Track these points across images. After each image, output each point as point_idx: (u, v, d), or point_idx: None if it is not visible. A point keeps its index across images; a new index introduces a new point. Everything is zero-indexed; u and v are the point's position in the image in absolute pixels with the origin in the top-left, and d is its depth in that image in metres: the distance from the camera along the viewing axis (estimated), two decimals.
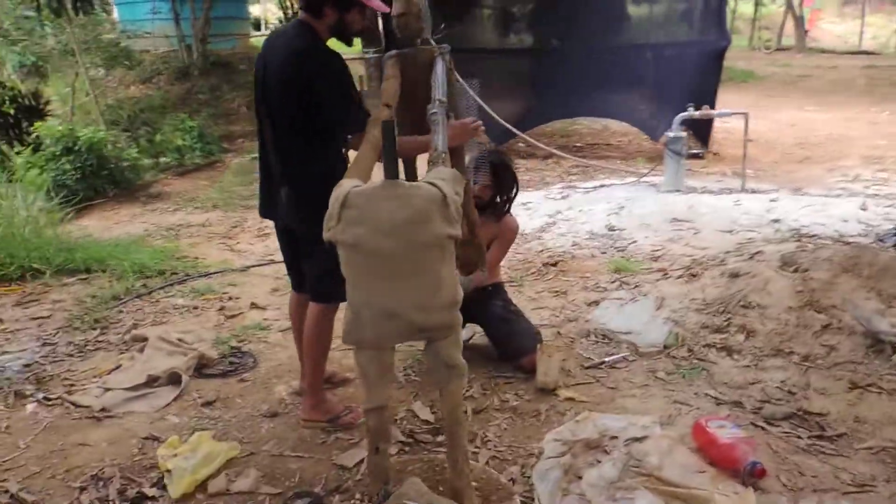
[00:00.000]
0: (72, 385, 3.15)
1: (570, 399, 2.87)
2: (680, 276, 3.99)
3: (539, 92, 8.91)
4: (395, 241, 1.81)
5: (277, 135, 2.47)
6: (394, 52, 2.62)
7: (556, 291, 4.03)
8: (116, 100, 10.59)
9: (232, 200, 6.71)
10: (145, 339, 3.46)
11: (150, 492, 2.34)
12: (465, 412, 2.70)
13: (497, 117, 8.01)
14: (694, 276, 3.95)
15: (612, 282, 4.08)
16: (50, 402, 2.99)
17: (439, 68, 2.47)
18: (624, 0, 8.66)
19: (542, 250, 4.76)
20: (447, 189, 1.87)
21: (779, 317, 3.34)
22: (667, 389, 2.94)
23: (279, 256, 4.97)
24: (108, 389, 3.07)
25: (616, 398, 2.89)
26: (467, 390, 2.98)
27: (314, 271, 2.57)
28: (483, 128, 2.53)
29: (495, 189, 3.09)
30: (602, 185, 6.34)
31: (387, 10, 2.58)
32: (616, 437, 2.59)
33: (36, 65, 11.57)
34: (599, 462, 2.44)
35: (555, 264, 4.44)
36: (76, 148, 6.81)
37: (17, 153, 6.91)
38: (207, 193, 7.11)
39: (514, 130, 7.97)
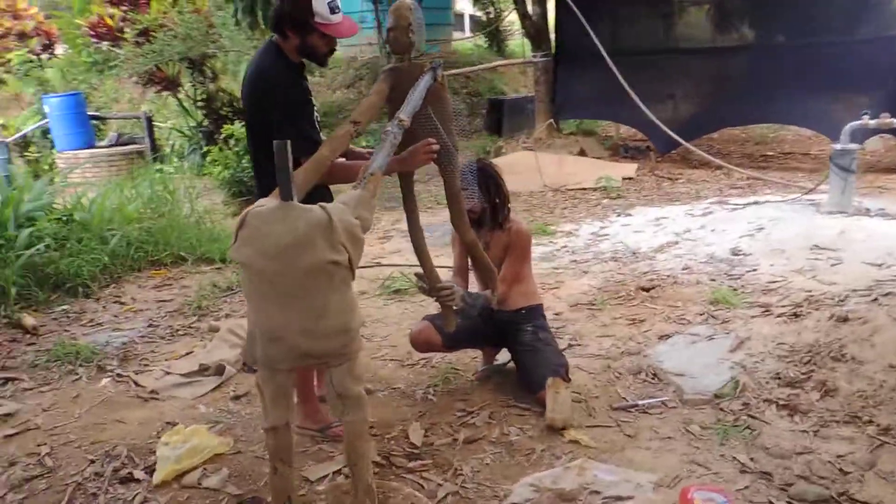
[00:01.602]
0: (146, 365, 3.54)
1: (575, 442, 2.62)
2: (781, 315, 3.44)
3: (738, 93, 8.13)
4: (280, 263, 1.79)
5: (251, 148, 2.56)
6: (388, 66, 2.57)
7: (633, 320, 3.68)
8: (321, 103, 11.59)
9: (379, 201, 7.00)
10: (218, 330, 3.77)
11: (139, 475, 2.55)
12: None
13: (662, 126, 7.48)
14: (797, 316, 3.38)
15: (701, 314, 3.63)
16: (120, 379, 3.38)
17: (421, 85, 2.37)
18: None
19: (646, 272, 4.36)
20: (337, 214, 1.81)
21: (873, 376, 2.76)
22: (691, 446, 2.55)
23: (387, 259, 5.17)
24: (168, 373, 3.40)
25: (627, 448, 2.57)
26: (474, 415, 2.85)
27: None
28: (435, 150, 2.37)
29: (484, 199, 2.90)
30: (755, 202, 5.63)
31: (351, 34, 2.54)
32: (598, 493, 2.32)
33: None
34: None
35: (649, 289, 4.05)
36: None
37: (205, 152, 7.85)
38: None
39: (678, 138, 7.38)
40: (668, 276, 4.24)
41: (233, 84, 12.39)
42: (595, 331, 3.61)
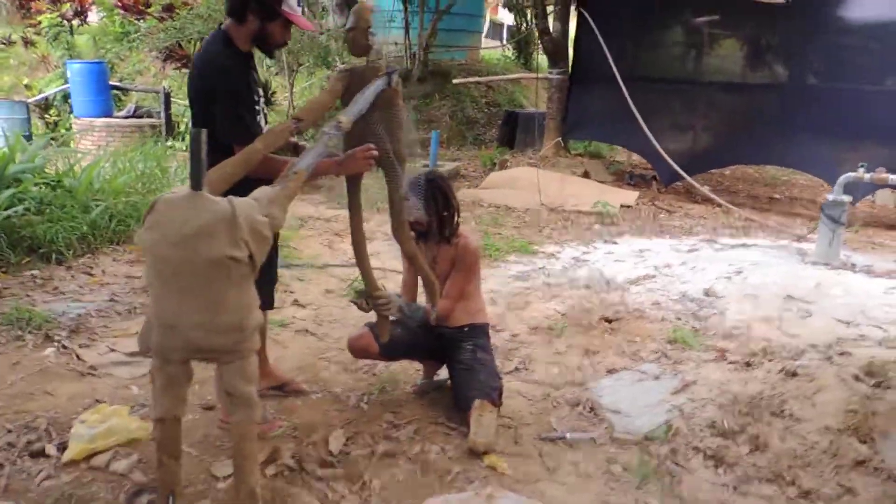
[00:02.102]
0: (94, 340, 3.53)
1: (491, 468, 2.57)
2: (734, 362, 3.37)
3: (757, 132, 8.00)
4: (180, 252, 1.78)
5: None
6: (344, 67, 2.55)
7: (587, 350, 3.62)
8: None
9: (375, 202, 6.99)
10: None
11: (51, 450, 2.54)
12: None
13: (667, 158, 7.40)
14: (749, 365, 3.32)
15: (655, 352, 3.57)
16: (64, 351, 3.38)
17: (370, 89, 2.35)
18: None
19: (615, 303, 4.30)
20: (244, 210, 1.79)
21: (807, 436, 2.69)
22: (608, 486, 2.50)
23: None
24: (112, 350, 3.40)
25: (543, 480, 2.53)
26: (400, 429, 2.82)
27: None
28: (374, 156, 2.36)
29: (431, 211, 2.86)
30: (743, 245, 5.55)
31: (311, 28, 2.54)
32: None
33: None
34: None
35: (612, 320, 3.99)
36: None
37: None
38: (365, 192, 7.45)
39: (680, 171, 7.30)
40: (636, 309, 4.18)
41: None
42: (546, 357, 3.56)
